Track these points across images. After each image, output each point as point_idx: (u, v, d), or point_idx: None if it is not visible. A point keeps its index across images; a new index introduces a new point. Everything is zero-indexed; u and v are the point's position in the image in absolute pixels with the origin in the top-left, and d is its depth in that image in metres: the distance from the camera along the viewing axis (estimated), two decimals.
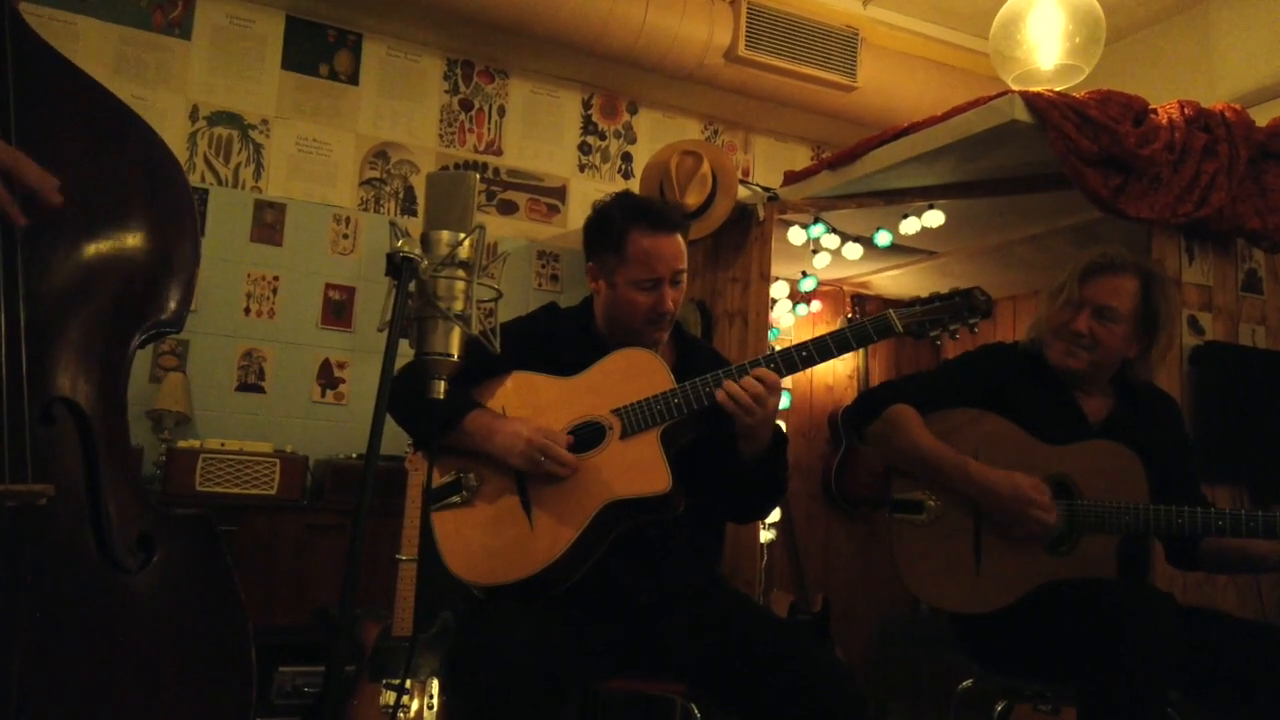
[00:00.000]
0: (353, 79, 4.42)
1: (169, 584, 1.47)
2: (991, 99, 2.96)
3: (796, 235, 3.91)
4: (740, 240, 3.79)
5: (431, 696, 2.97)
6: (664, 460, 1.93)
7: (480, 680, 1.76)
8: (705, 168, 3.72)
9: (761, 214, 3.69)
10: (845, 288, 4.94)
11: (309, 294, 4.22)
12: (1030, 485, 2.17)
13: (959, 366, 2.50)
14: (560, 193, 4.79)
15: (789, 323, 4.45)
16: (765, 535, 4.09)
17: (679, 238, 2.10)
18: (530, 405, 2.06)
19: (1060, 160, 2.85)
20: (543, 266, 4.69)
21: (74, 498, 1.40)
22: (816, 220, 3.85)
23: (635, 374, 2.03)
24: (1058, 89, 3.00)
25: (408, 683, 2.97)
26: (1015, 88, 2.98)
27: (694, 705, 2.07)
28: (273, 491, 3.57)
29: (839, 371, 5.03)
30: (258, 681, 1.49)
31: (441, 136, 4.57)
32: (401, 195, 4.46)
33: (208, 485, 3.49)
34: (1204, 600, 2.80)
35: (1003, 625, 2.21)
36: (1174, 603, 2.09)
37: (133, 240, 1.52)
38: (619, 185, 4.82)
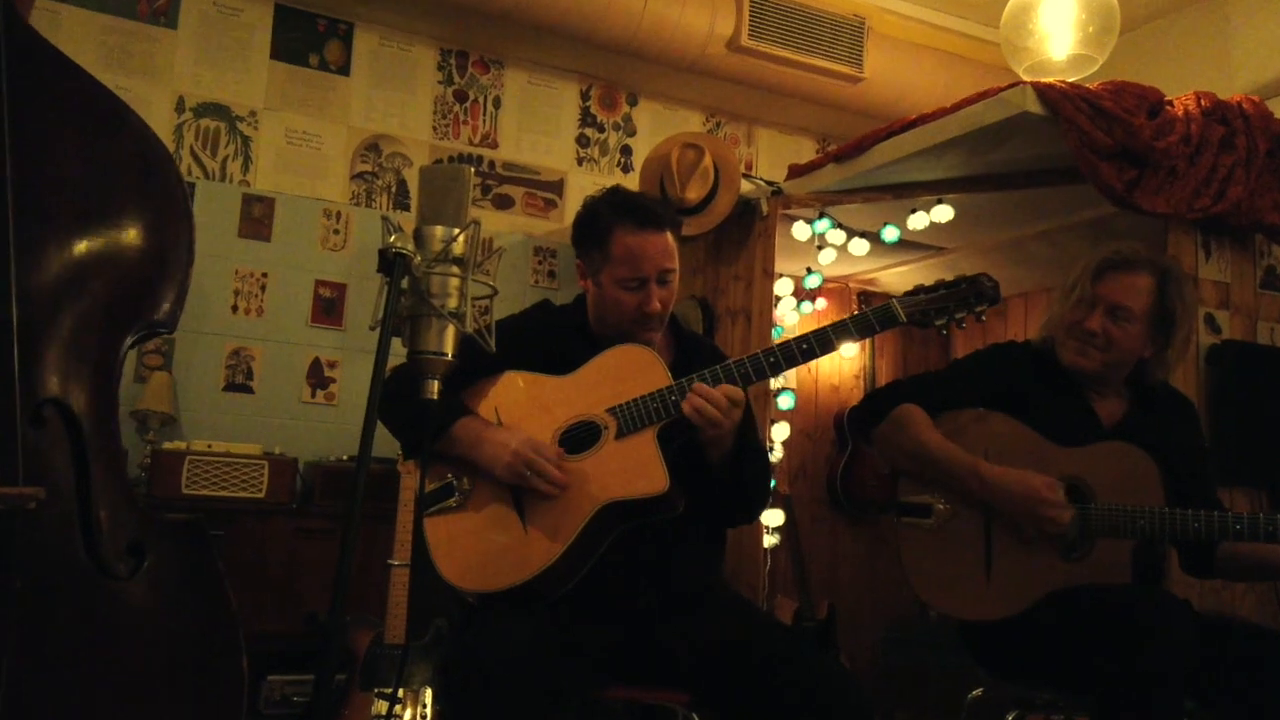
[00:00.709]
0: (344, 69, 4.42)
1: (159, 591, 1.47)
2: (1002, 90, 2.96)
3: (801, 230, 3.90)
4: (743, 236, 3.79)
5: (424, 706, 2.97)
6: (661, 459, 1.93)
7: (474, 690, 1.75)
8: (707, 161, 3.72)
9: (765, 209, 3.69)
10: (851, 285, 4.94)
11: (299, 291, 4.22)
12: (1044, 484, 2.16)
13: (969, 366, 2.50)
14: (558, 187, 4.79)
15: (793, 321, 4.45)
16: (769, 540, 4.09)
17: (667, 235, 2.10)
18: (523, 405, 2.06)
19: (1073, 153, 2.85)
20: (539, 263, 4.69)
21: (64, 502, 1.40)
22: (822, 215, 3.85)
23: (630, 371, 2.03)
24: (1070, 80, 3.00)
25: (400, 692, 2.97)
26: (1027, 78, 2.98)
27: (695, 716, 2.07)
28: (261, 495, 3.57)
29: (845, 371, 5.03)
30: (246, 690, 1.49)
31: (435, 128, 4.57)
32: (394, 189, 4.46)
33: (194, 488, 3.48)
34: (1221, 608, 2.80)
35: (1014, 633, 2.20)
36: (1191, 610, 2.09)
37: (126, 238, 1.52)
38: (618, 179, 4.81)
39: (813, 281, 4.27)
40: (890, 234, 3.93)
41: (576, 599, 1.93)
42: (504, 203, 4.66)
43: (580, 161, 4.86)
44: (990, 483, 2.21)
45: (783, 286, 4.26)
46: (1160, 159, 2.88)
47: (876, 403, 2.43)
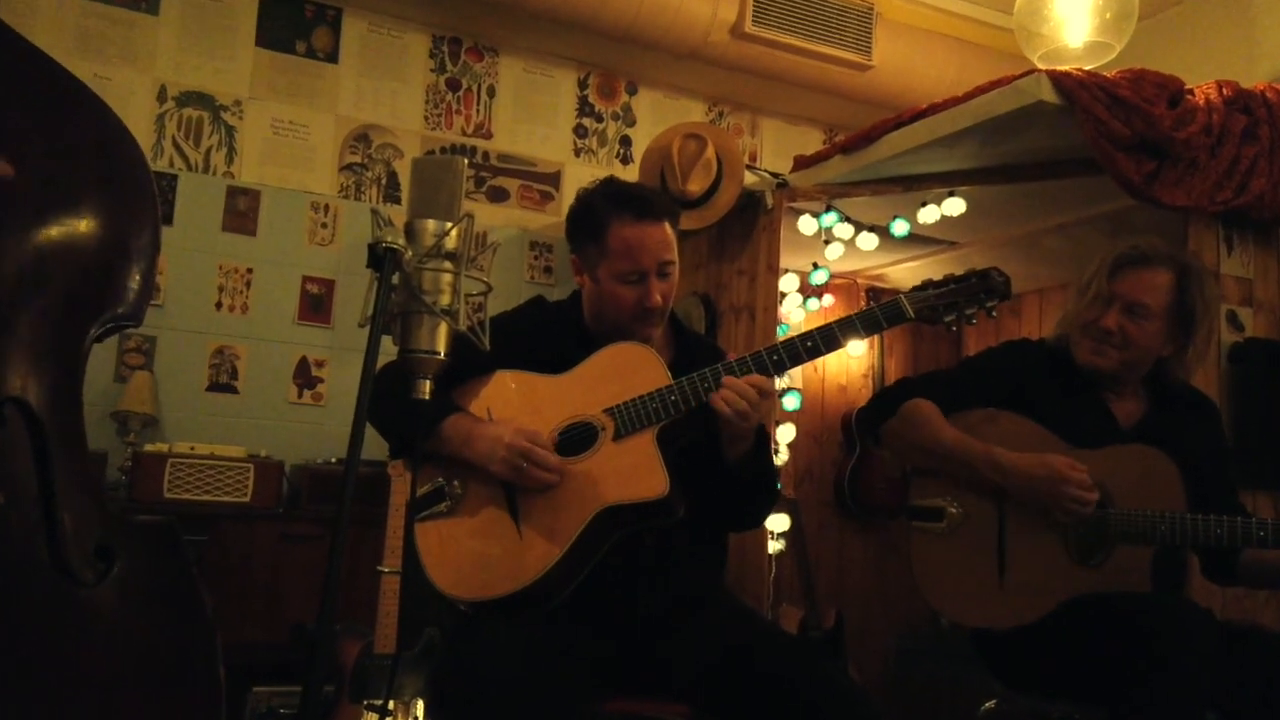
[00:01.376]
0: (332, 57, 4.42)
1: (129, 598, 1.46)
2: (1016, 78, 2.95)
3: (807, 224, 3.90)
4: (747, 230, 3.79)
5: (416, 719, 2.96)
6: (661, 462, 1.92)
7: (467, 701, 1.75)
8: (709, 152, 3.71)
9: (770, 202, 3.69)
10: (859, 281, 4.93)
11: (285, 287, 4.22)
12: (1066, 464, 2.16)
13: (981, 364, 2.50)
14: (554, 179, 4.79)
15: (799, 318, 4.44)
16: (773, 546, 4.09)
17: (666, 226, 2.09)
18: (517, 406, 2.05)
19: (1090, 144, 2.84)
20: (535, 258, 4.69)
21: (26, 505, 1.39)
22: (829, 208, 3.84)
23: (628, 370, 2.03)
24: (1087, 68, 2.99)
25: (391, 704, 2.97)
26: (1042, 66, 2.98)
27: None
28: (246, 499, 3.57)
29: (853, 370, 5.02)
30: (229, 702, 1.49)
31: (427, 118, 4.57)
32: (384, 181, 4.46)
33: (176, 492, 3.48)
34: (1243, 616, 2.79)
35: (1029, 642, 2.20)
36: (1212, 619, 2.09)
37: (86, 226, 1.51)
38: (617, 171, 4.82)
39: (819, 277, 4.27)
40: (900, 228, 3.92)
41: (573, 607, 1.93)
42: (498, 195, 4.65)
43: (578, 153, 4.86)
44: (1008, 469, 2.20)
45: (788, 282, 4.26)
46: (1180, 150, 2.87)
47: (885, 401, 2.43)
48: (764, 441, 2.11)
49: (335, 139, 4.39)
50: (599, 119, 4.92)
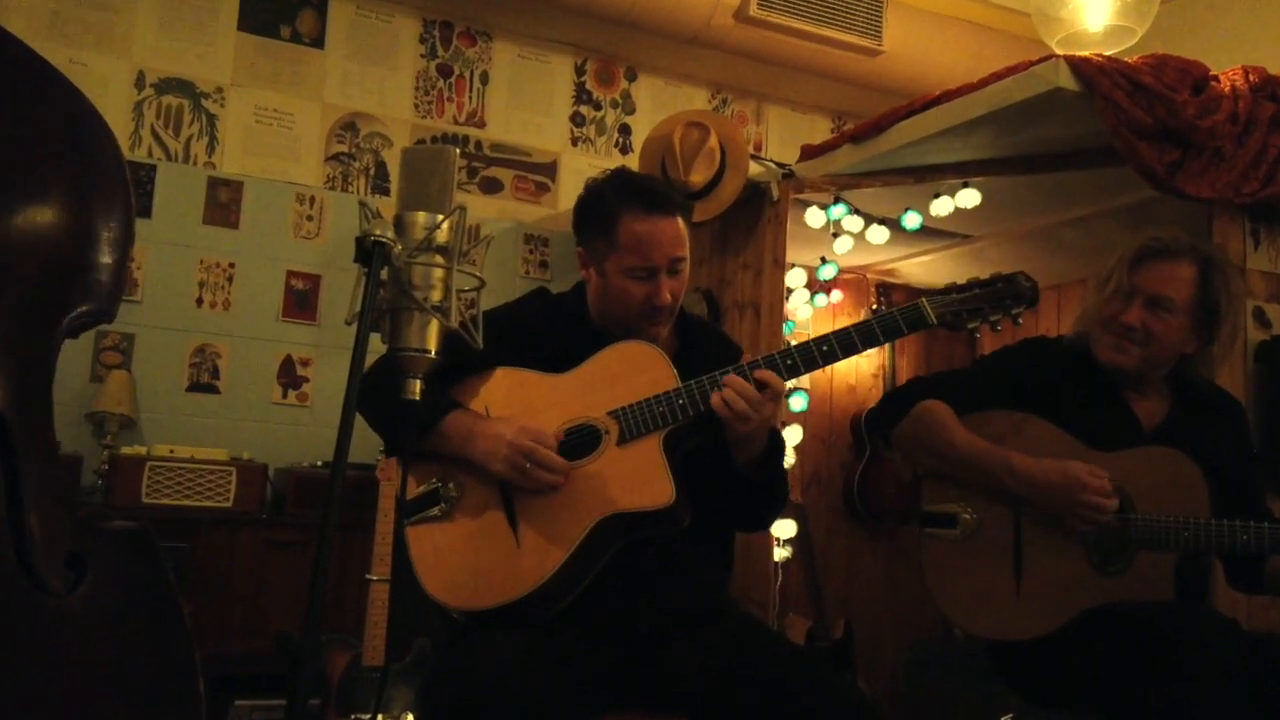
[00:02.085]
0: (318, 42, 4.41)
1: (101, 608, 1.45)
2: (1033, 64, 2.95)
3: (815, 217, 3.90)
4: (752, 223, 3.78)
5: None
6: (667, 469, 1.92)
7: (460, 715, 1.75)
8: (712, 141, 3.71)
9: (776, 193, 3.69)
10: (869, 276, 4.93)
11: (269, 283, 4.22)
12: (1084, 470, 2.16)
13: (995, 363, 2.50)
14: (550, 169, 4.79)
15: (806, 315, 4.44)
16: (780, 553, 4.09)
17: (679, 221, 2.09)
18: (516, 406, 2.05)
19: (1110, 133, 2.85)
20: (530, 252, 4.69)
21: None
22: (837, 200, 3.84)
23: (634, 370, 2.02)
24: (1107, 53, 2.99)
25: (379, 718, 2.97)
26: (1060, 52, 2.98)
27: None
28: (228, 504, 3.57)
29: (862, 370, 5.02)
30: (209, 717, 1.48)
31: (417, 106, 4.57)
32: (372, 172, 4.46)
33: (155, 497, 3.48)
34: (1270, 626, 2.80)
35: (1046, 653, 2.20)
36: (1238, 629, 2.09)
37: (52, 215, 1.50)
38: (616, 161, 4.82)
39: (827, 272, 4.27)
40: (912, 220, 3.92)
41: (572, 618, 1.93)
42: (492, 186, 4.65)
43: (575, 142, 4.86)
44: (1025, 474, 2.20)
45: (795, 278, 4.26)
46: (1205, 139, 2.88)
47: (896, 402, 2.43)
48: (777, 448, 2.10)
49: (321, 128, 4.39)
50: (597, 107, 4.92)
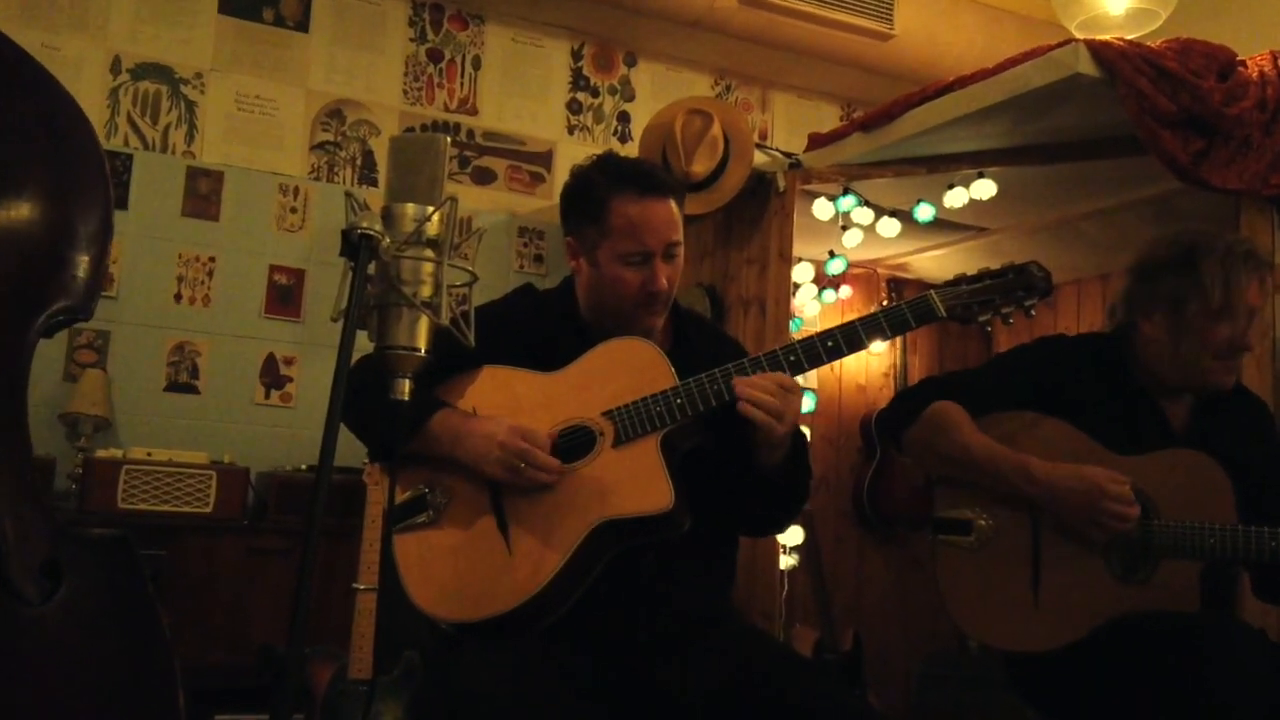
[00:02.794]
0: (302, 25, 4.41)
1: (79, 618, 1.45)
2: (1052, 49, 2.95)
3: (823, 209, 3.90)
4: (757, 215, 3.78)
5: None
6: (665, 472, 1.92)
7: None
8: (716, 129, 3.71)
9: (782, 184, 3.68)
10: (880, 270, 4.93)
11: (251, 277, 4.21)
12: (1105, 476, 2.16)
13: (1012, 362, 2.50)
14: (545, 159, 4.79)
15: (814, 311, 4.44)
16: (786, 561, 4.09)
17: (672, 204, 2.09)
18: (505, 406, 2.05)
19: (1132, 121, 2.84)
20: (525, 245, 4.68)
21: None
22: (846, 191, 3.84)
23: (629, 369, 2.02)
24: (1129, 37, 3.00)
25: None
26: (1079, 36, 2.98)
27: None
28: (208, 509, 3.56)
29: (872, 369, 5.02)
30: None
31: (406, 93, 4.56)
32: (359, 162, 4.45)
33: (132, 502, 3.48)
34: None
35: (1066, 666, 2.20)
36: (1265, 641, 2.09)
37: (29, 210, 1.50)
38: (615, 150, 4.81)
39: (836, 266, 4.27)
40: (924, 212, 3.93)
41: (566, 629, 1.93)
42: (484, 177, 4.65)
43: (571, 130, 4.85)
44: (1043, 481, 2.21)
45: (802, 272, 4.26)
46: (1231, 127, 2.87)
47: (907, 403, 2.43)
48: (801, 444, 2.10)
49: (306, 115, 4.39)
50: (594, 93, 4.92)
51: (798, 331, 4.24)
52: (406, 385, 1.45)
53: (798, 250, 3.80)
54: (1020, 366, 2.46)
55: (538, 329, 2.16)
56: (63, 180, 1.54)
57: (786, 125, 5.24)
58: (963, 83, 3.23)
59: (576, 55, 4.90)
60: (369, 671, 3.04)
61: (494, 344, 2.00)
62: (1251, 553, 2.15)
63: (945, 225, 4.12)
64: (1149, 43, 2.94)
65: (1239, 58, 3.01)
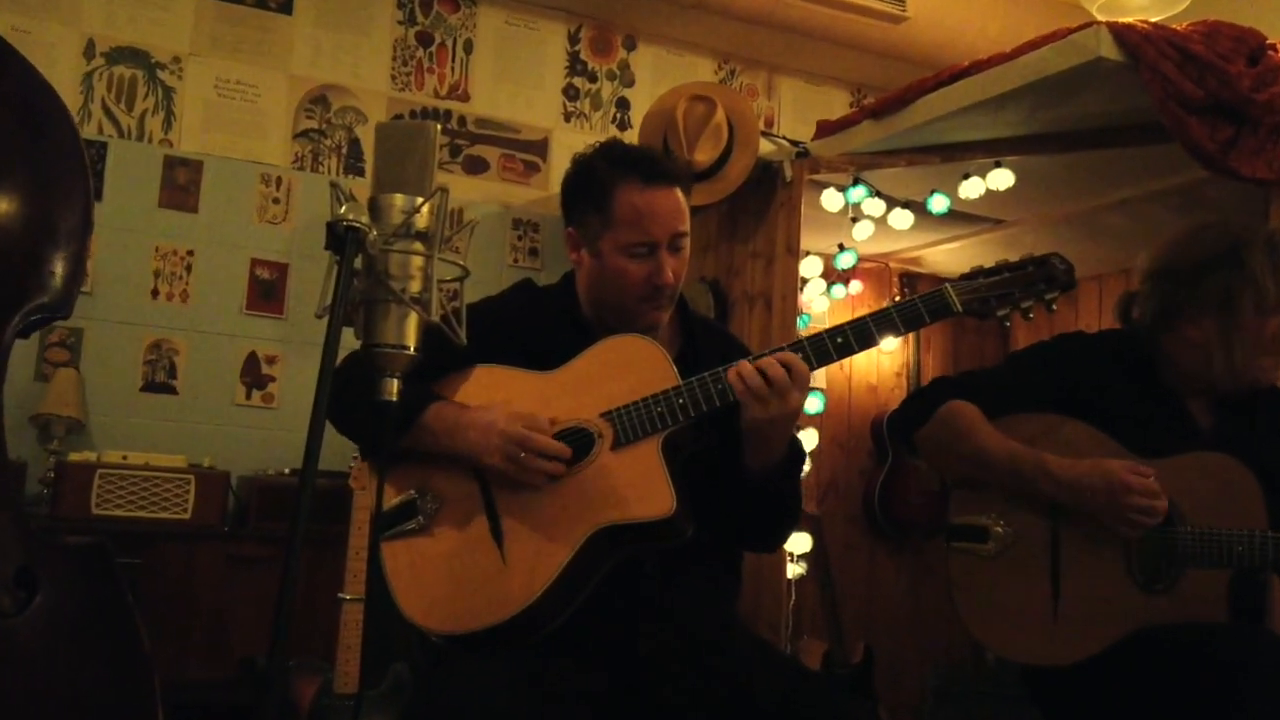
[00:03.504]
0: (285, 7, 4.41)
1: (54, 630, 1.46)
2: (1072, 32, 2.95)
3: (832, 200, 3.90)
4: (762, 206, 3.78)
5: None
6: (667, 476, 1.92)
7: None
8: (719, 116, 3.71)
9: (789, 173, 3.69)
10: (892, 265, 4.94)
11: (231, 272, 4.21)
12: (1129, 469, 2.16)
13: (1030, 361, 2.50)
14: (541, 147, 4.78)
15: (822, 307, 4.44)
16: (793, 570, 4.09)
17: (678, 193, 2.09)
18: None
19: (1157, 108, 2.84)
20: (519, 238, 4.68)
21: None
22: (857, 181, 3.84)
23: (629, 368, 2.02)
24: (1154, 19, 2.99)
25: None
26: (1101, 18, 2.98)
27: None
28: (186, 515, 3.56)
29: (884, 368, 5.03)
30: None
31: (394, 78, 4.56)
32: (345, 150, 4.45)
33: (106, 508, 3.48)
34: None
35: (1087, 680, 2.20)
36: None
37: (6, 204, 1.50)
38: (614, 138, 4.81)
39: (846, 261, 4.27)
40: (938, 204, 3.93)
41: (563, 641, 1.93)
42: (477, 166, 4.65)
43: (567, 117, 4.85)
44: (1063, 478, 2.20)
45: (810, 266, 4.26)
46: (1261, 114, 2.87)
47: (921, 404, 2.43)
48: (796, 456, 2.10)
49: (289, 102, 4.39)
50: (592, 79, 4.92)
51: (805, 329, 4.24)
52: (394, 385, 1.45)
53: (805, 243, 3.80)
54: (1039, 365, 2.46)
55: (535, 327, 2.16)
56: (40, 173, 1.54)
57: (794, 112, 5.24)
58: (979, 67, 3.23)
59: (573, 38, 4.90)
60: (355, 686, 3.04)
61: (488, 342, 2.01)
62: None
63: (960, 217, 4.13)
64: (1174, 25, 2.94)
65: (1269, 41, 3.01)
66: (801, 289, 4.01)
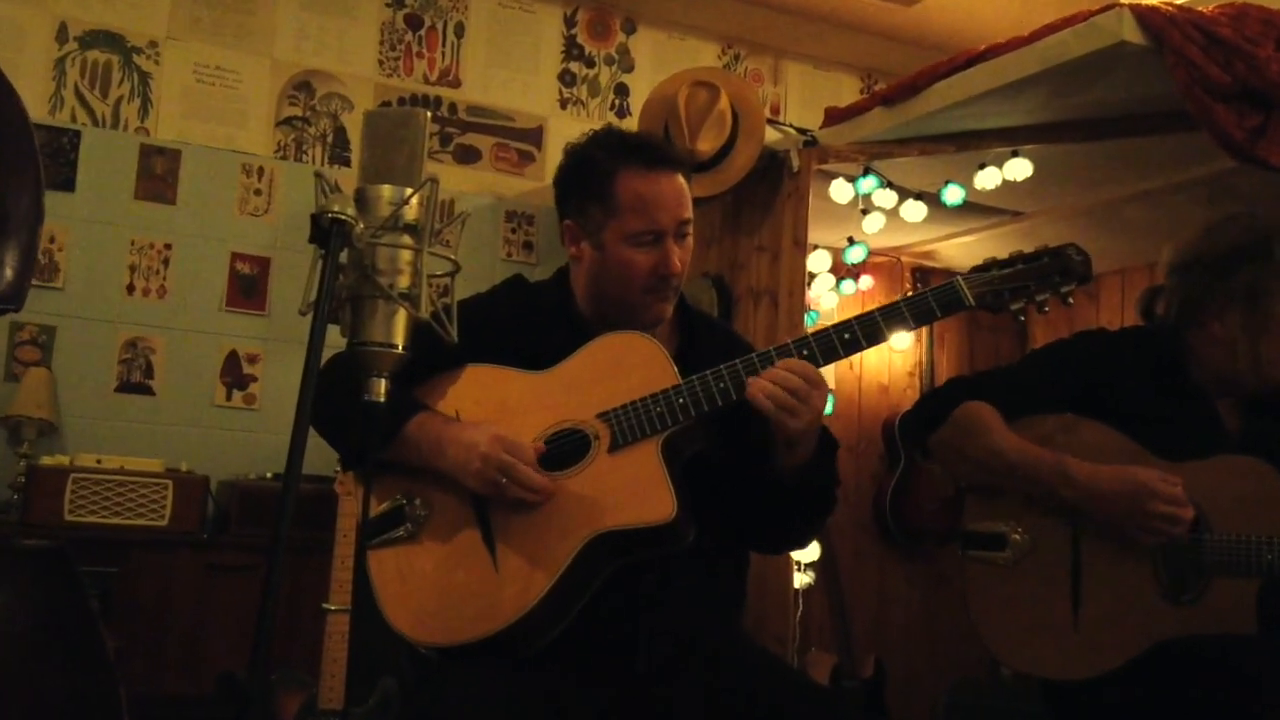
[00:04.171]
0: None
1: (10, 640, 1.45)
2: (1093, 15, 2.95)
3: (841, 191, 3.90)
4: (768, 198, 3.78)
5: None
6: (667, 479, 1.92)
7: None
8: (723, 103, 3.71)
9: (796, 163, 3.68)
10: (904, 259, 4.93)
11: (211, 267, 4.22)
12: (1154, 475, 2.16)
13: (1049, 359, 2.50)
14: (535, 136, 4.78)
15: (831, 303, 4.45)
16: (800, 579, 4.09)
17: (681, 179, 2.09)
18: (491, 408, 2.05)
19: (1182, 94, 2.84)
20: (513, 231, 4.68)
21: None
22: (867, 171, 3.84)
23: (627, 366, 2.02)
24: (1179, 1, 2.99)
25: None
26: (1124, 0, 2.97)
27: None
28: (164, 522, 3.56)
29: (896, 367, 5.02)
30: None
31: (382, 63, 4.56)
32: (330, 139, 4.45)
33: (79, 514, 3.48)
34: None
35: (1109, 696, 2.20)
36: None
37: None
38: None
39: (855, 254, 4.27)
40: (953, 195, 3.93)
41: (559, 653, 1.93)
42: (468, 156, 4.65)
43: (564, 104, 4.86)
44: (1084, 483, 2.20)
45: (818, 261, 4.26)
46: None
47: (934, 405, 2.43)
48: (829, 448, 2.08)
49: (271, 88, 4.39)
50: (589, 64, 4.92)
51: (813, 326, 4.24)
52: (382, 385, 1.45)
53: (813, 237, 3.80)
54: (1058, 363, 2.46)
55: (529, 324, 2.16)
56: None
57: (801, 99, 5.24)
58: (995, 51, 3.23)
59: (569, 21, 4.90)
60: (341, 701, 3.04)
61: (479, 340, 2.00)
62: None
63: (976, 209, 4.13)
64: (1200, 7, 2.94)
65: None
66: (809, 285, 4.01)
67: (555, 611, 1.91)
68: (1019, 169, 3.68)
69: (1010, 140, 3.58)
